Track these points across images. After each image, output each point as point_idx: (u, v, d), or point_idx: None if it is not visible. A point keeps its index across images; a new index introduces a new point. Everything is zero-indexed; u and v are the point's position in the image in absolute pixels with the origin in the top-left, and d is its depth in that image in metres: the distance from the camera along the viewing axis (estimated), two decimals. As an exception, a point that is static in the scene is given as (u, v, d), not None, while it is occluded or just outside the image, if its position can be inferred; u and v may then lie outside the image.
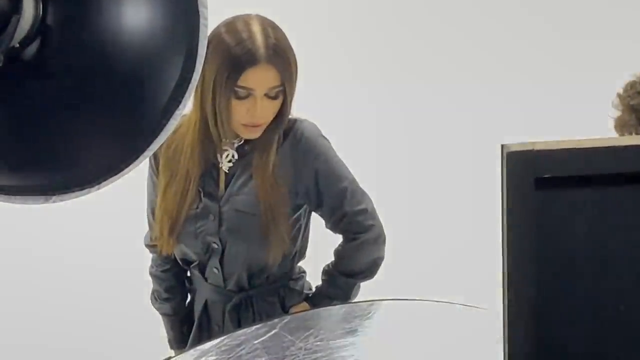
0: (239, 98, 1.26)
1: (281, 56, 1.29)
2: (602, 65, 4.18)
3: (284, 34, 1.31)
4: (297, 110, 1.39)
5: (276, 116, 1.33)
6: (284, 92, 1.30)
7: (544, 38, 5.02)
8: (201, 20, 0.71)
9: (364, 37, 4.80)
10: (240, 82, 1.25)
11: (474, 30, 5.06)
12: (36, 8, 0.70)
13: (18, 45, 0.70)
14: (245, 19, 1.28)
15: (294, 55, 1.31)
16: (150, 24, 0.72)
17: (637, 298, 0.74)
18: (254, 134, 1.33)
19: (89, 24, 0.71)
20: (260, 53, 1.26)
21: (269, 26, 1.30)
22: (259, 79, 1.26)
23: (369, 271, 1.41)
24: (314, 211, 1.44)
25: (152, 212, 1.44)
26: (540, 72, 4.56)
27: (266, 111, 1.30)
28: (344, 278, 1.40)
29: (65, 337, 2.09)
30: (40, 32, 0.71)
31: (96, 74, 0.73)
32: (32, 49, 0.71)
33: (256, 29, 1.28)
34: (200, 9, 0.69)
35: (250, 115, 1.28)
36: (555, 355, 0.71)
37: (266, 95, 1.29)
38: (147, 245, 1.49)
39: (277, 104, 1.31)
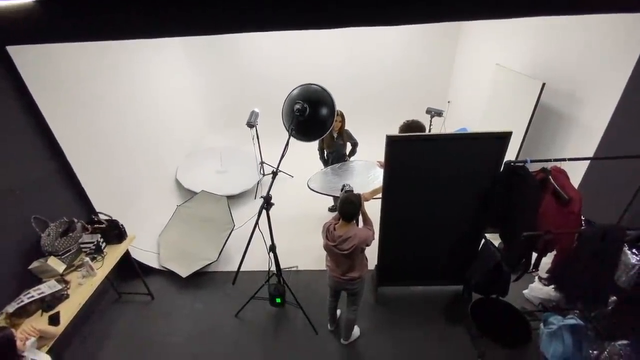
0: None
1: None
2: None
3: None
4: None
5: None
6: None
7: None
8: (336, 109, 3.78)
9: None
10: None
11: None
12: (305, 105, 3.72)
13: (301, 115, 3.73)
14: None
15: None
16: (329, 114, 3.78)
17: (432, 196, 4.05)
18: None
19: (315, 111, 3.75)
20: None
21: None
22: None
23: (357, 146, 6.33)
24: (348, 142, 6.36)
25: (319, 143, 6.30)
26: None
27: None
28: (356, 148, 6.30)
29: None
30: (307, 110, 3.74)
31: (314, 121, 3.79)
32: (304, 115, 3.75)
33: None
34: (335, 107, 3.77)
35: None
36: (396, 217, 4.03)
37: None
38: (318, 149, 6.40)
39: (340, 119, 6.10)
